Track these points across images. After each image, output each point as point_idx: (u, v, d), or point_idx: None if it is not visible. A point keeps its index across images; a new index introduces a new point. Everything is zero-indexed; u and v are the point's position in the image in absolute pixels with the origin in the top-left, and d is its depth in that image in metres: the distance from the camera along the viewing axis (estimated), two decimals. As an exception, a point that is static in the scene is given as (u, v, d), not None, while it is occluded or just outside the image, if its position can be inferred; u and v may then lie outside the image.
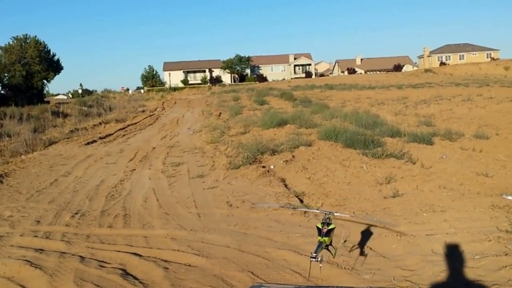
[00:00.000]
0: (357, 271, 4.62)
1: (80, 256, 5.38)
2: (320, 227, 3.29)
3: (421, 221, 5.83)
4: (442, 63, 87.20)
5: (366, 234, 5.36)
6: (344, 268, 4.69)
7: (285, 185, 8.23)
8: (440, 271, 4.43)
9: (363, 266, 4.72)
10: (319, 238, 3.24)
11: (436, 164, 8.72)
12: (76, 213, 7.26)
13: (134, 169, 10.88)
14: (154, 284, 4.63)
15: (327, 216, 3.31)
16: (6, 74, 48.58)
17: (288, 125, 15.55)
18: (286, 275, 4.60)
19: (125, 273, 4.86)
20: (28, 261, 5.25)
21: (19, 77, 47.48)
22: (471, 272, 4.35)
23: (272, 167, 9.60)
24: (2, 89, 49.78)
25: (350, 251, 4.99)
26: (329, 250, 3.39)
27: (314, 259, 2.98)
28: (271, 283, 4.36)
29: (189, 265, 5.02)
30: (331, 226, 3.31)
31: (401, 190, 7.19)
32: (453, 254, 4.76)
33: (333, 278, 4.45)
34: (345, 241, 5.31)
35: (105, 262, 5.18)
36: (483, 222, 5.55)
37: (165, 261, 5.15)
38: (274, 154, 10.62)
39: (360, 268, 4.68)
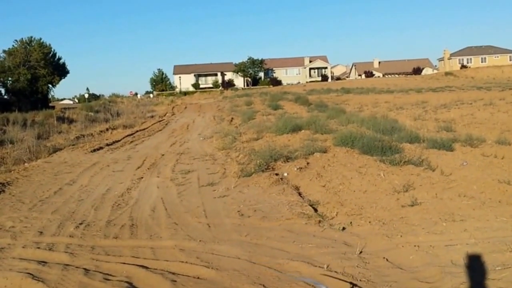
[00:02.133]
0: (373, 283, 4.49)
1: (84, 269, 5.25)
2: None
3: (440, 230, 5.71)
4: (463, 66, 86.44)
5: None
6: (360, 280, 4.58)
7: (299, 194, 8.08)
8: (460, 283, 4.31)
9: (379, 278, 4.59)
10: None
11: (456, 171, 8.50)
12: (81, 224, 7.12)
13: (142, 177, 10.75)
14: (161, 298, 4.52)
15: None
16: (10, 78, 48.09)
17: (303, 130, 15.39)
18: (299, 288, 4.47)
19: (131, 287, 4.73)
20: (30, 273, 5.13)
21: (23, 81, 47.07)
22: (492, 284, 4.26)
23: (285, 174, 9.44)
24: (5, 94, 49.43)
25: None
26: None
27: None
28: None
29: (198, 278, 4.89)
30: None
31: (419, 198, 7.01)
32: (474, 265, 4.67)
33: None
34: (360, 252, 5.22)
35: (110, 275, 5.05)
36: (504, 231, 5.46)
37: (173, 273, 5.01)
38: (288, 161, 10.46)
39: (376, 280, 4.54)
